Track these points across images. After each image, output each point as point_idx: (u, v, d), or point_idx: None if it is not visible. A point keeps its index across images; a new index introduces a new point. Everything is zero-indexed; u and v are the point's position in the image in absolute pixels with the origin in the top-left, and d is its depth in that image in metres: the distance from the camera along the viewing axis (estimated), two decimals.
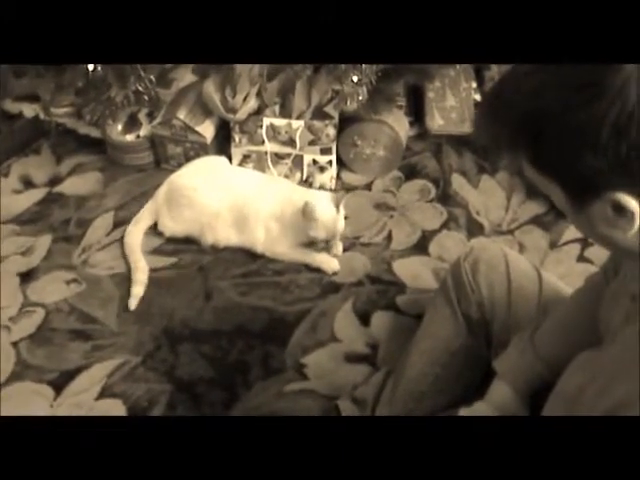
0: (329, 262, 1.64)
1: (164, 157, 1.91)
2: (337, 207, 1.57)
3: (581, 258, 1.62)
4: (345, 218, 1.66)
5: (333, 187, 1.83)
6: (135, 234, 1.69)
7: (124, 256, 1.66)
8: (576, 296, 1.04)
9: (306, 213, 1.54)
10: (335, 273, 1.64)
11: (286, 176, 1.86)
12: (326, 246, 1.63)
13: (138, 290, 1.57)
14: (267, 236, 1.65)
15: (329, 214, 1.56)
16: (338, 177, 1.88)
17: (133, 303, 1.55)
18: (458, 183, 1.89)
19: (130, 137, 1.90)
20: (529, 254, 1.64)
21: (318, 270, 1.64)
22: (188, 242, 1.70)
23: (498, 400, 0.99)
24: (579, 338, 0.85)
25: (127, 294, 1.57)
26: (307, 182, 1.86)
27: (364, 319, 1.52)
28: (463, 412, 0.99)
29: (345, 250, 1.69)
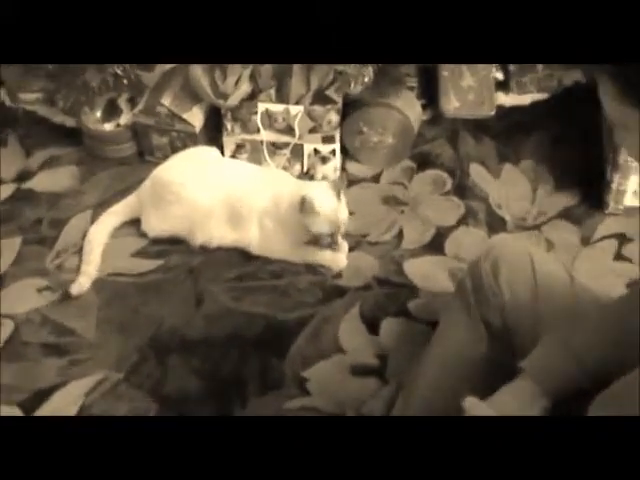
0: (334, 258, 1.66)
1: (148, 148, 1.91)
2: (338, 195, 1.58)
3: (618, 256, 1.61)
4: (350, 214, 1.66)
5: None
6: (104, 226, 1.70)
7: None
8: (619, 304, 1.04)
9: (305, 208, 1.55)
10: (340, 274, 1.63)
11: (284, 168, 1.85)
12: (329, 242, 1.63)
13: (83, 280, 1.59)
14: (263, 234, 1.66)
15: (330, 205, 1.57)
16: (342, 168, 1.89)
17: (76, 289, 1.57)
18: (477, 173, 1.88)
19: (109, 126, 1.90)
20: (558, 252, 1.64)
21: (320, 272, 1.65)
22: (175, 242, 1.71)
23: (523, 398, 0.98)
24: (624, 351, 0.85)
25: (108, 302, 1.59)
26: (308, 174, 1.86)
27: (372, 327, 1.52)
28: (476, 407, 0.95)
29: (351, 249, 1.70)
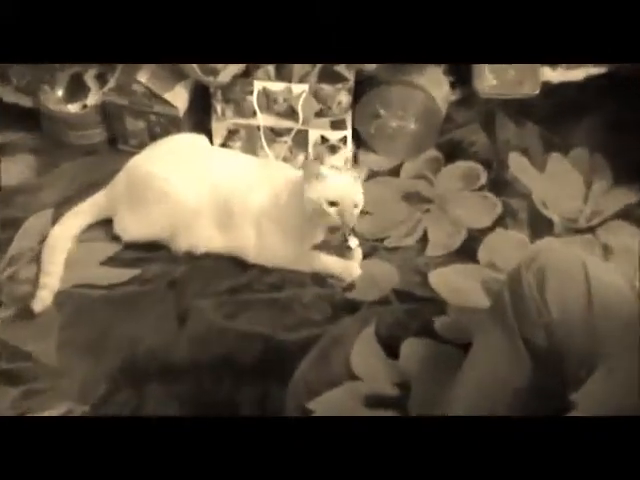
0: (346, 267, 1.67)
1: (121, 134, 1.92)
2: (355, 175, 1.61)
3: None
4: (364, 213, 1.67)
5: None
6: (67, 228, 1.72)
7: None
8: None
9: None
10: (352, 286, 1.65)
11: (285, 159, 1.87)
12: (339, 241, 1.65)
13: (45, 295, 1.60)
14: (260, 238, 1.68)
15: (340, 175, 1.59)
16: (355, 159, 1.95)
17: (38, 306, 1.58)
18: (517, 165, 1.89)
19: (74, 107, 1.91)
20: (617, 259, 1.65)
21: (329, 284, 1.67)
22: (155, 248, 1.72)
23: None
24: None
25: (73, 320, 1.60)
26: None
27: (391, 349, 1.53)
28: None
29: (365, 256, 1.71)
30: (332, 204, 1.57)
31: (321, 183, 1.57)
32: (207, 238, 1.70)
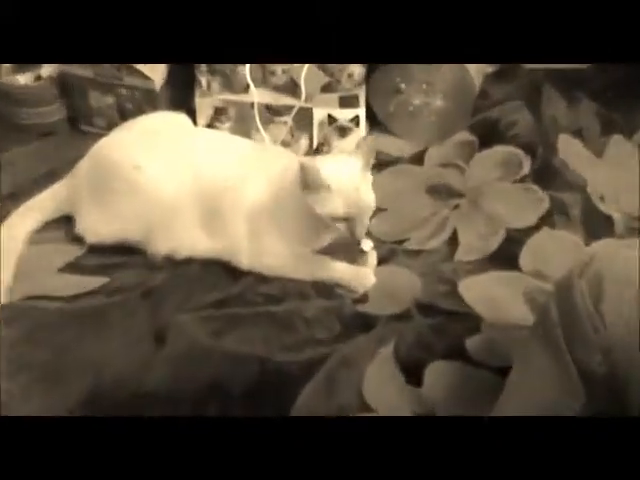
0: (357, 274, 1.68)
1: (84, 112, 1.93)
2: (363, 169, 1.59)
3: None
4: (380, 210, 1.68)
5: None
6: (18, 227, 1.75)
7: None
8: None
9: (307, 178, 1.55)
10: (365, 297, 1.67)
11: (285, 143, 1.88)
12: (349, 244, 1.65)
13: None
14: (255, 240, 1.69)
15: (346, 177, 1.58)
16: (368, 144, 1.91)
17: None
18: (569, 149, 1.90)
19: (24, 78, 1.92)
20: None
21: (337, 294, 1.68)
22: (126, 251, 1.73)
23: None
24: None
25: (24, 339, 1.59)
26: (319, 151, 1.88)
27: (412, 374, 1.53)
28: None
29: (381, 261, 1.72)
30: (339, 219, 1.58)
31: (323, 195, 1.57)
32: (190, 239, 1.71)
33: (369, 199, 1.60)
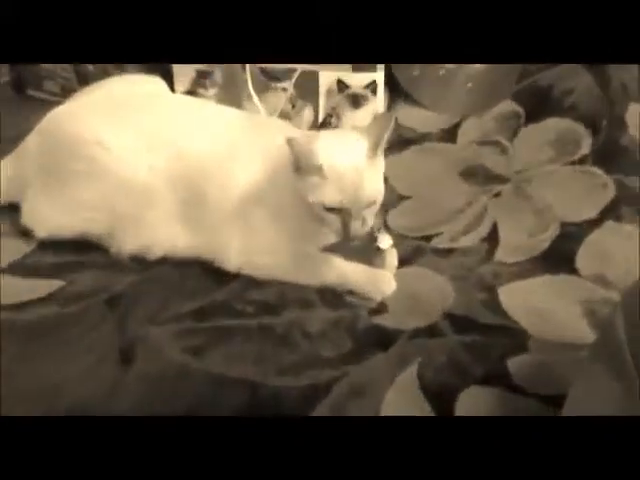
0: (375, 278, 1.69)
1: (32, 75, 1.94)
2: (372, 148, 1.58)
3: None
4: (403, 198, 1.68)
5: None
6: None
7: None
8: None
9: (297, 159, 1.56)
10: (384, 307, 1.67)
11: (284, 115, 1.88)
12: (364, 247, 1.67)
13: None
14: (247, 235, 1.69)
15: (346, 157, 1.57)
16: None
17: None
18: None
19: None
20: None
21: (349, 303, 1.68)
22: (86, 249, 1.74)
23: None
24: None
25: None
26: (326, 125, 1.88)
27: (442, 402, 1.51)
28: None
29: (404, 262, 1.74)
30: (332, 210, 1.59)
31: (314, 179, 1.57)
32: (165, 234, 1.72)
33: (373, 189, 1.60)
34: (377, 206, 1.62)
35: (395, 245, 1.73)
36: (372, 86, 1.88)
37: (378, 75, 1.87)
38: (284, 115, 1.89)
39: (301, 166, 1.57)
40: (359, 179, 1.57)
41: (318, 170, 1.56)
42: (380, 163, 1.61)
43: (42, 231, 1.74)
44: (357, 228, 1.59)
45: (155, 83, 1.84)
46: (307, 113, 1.90)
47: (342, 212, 1.58)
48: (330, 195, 1.57)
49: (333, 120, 1.90)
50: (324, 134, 1.64)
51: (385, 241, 1.71)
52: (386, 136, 1.60)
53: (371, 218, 1.61)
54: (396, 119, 1.89)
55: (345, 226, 1.58)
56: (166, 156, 1.69)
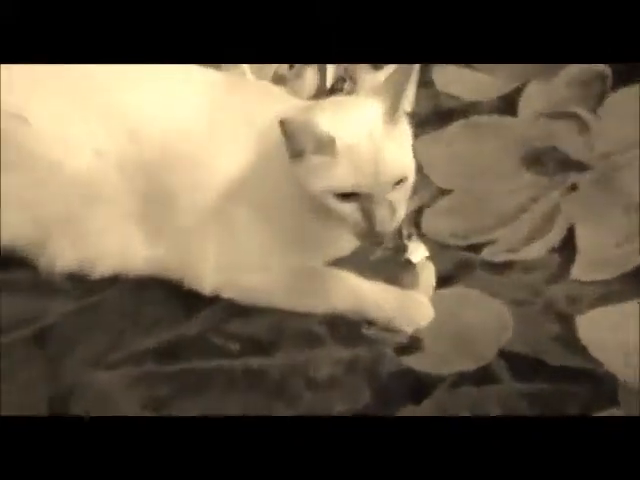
0: (404, 302, 1.69)
1: None
2: (391, 111, 1.58)
3: None
4: (444, 193, 1.66)
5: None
6: None
7: None
8: None
9: (294, 136, 1.56)
10: (418, 343, 1.66)
11: (278, 78, 2.00)
12: (388, 259, 1.72)
13: None
14: (227, 243, 1.70)
15: (360, 131, 1.57)
16: (423, 82, 2.02)
17: None
18: None
19: None
20: None
21: (369, 338, 1.69)
22: (6, 265, 1.77)
23: None
24: None
25: None
26: (336, 91, 1.97)
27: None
28: None
29: (444, 281, 1.74)
30: (346, 197, 1.55)
31: (323, 160, 1.57)
32: (115, 244, 1.71)
33: (398, 161, 1.57)
34: (408, 188, 1.59)
35: (432, 257, 1.74)
36: None
37: None
38: (278, 79, 1.90)
39: (299, 147, 1.55)
40: (377, 151, 1.55)
41: (324, 146, 1.54)
42: (404, 129, 1.60)
43: None
44: (384, 218, 1.56)
45: None
46: (309, 77, 1.91)
47: (361, 198, 1.55)
48: (342, 176, 1.55)
49: (347, 85, 1.92)
50: (325, 102, 1.63)
51: (418, 252, 1.72)
52: (407, 93, 1.60)
53: (402, 205, 1.58)
54: (433, 82, 1.89)
55: (368, 216, 1.56)
56: (118, 136, 1.70)
